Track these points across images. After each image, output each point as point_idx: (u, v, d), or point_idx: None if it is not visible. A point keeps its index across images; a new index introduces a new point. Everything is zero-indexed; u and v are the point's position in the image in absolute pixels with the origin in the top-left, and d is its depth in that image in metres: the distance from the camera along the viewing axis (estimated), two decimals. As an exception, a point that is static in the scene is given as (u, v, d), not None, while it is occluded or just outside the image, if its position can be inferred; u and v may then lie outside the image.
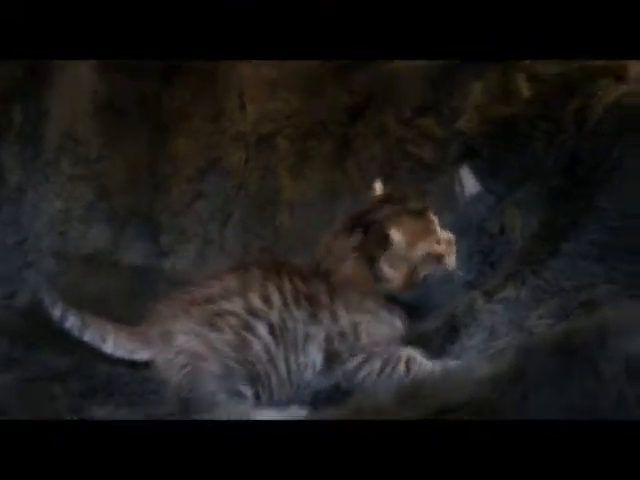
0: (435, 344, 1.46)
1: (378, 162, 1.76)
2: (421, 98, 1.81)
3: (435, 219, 1.33)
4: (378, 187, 1.37)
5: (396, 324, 1.32)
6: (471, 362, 1.11)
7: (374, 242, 1.25)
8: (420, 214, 1.31)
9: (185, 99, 1.82)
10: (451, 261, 1.33)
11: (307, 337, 1.25)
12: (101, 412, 1.18)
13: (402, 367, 1.25)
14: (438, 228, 1.33)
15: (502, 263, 1.58)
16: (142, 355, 1.36)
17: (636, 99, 1.55)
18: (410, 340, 1.40)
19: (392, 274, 1.27)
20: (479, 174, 1.71)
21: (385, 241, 1.24)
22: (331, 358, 1.25)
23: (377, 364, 1.25)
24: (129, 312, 1.65)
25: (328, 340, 1.25)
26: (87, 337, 1.41)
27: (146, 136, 1.79)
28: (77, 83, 1.81)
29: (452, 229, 1.70)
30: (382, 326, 1.30)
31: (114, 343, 1.39)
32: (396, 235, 1.25)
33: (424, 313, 1.43)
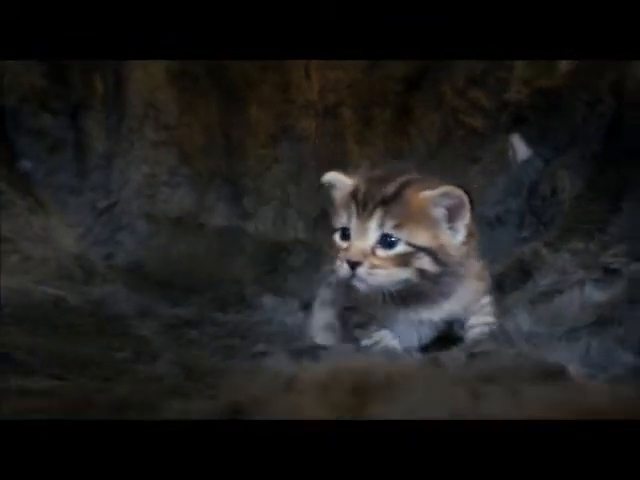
0: (507, 283, 1.68)
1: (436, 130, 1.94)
2: (470, 70, 1.99)
3: None
4: None
5: None
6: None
7: None
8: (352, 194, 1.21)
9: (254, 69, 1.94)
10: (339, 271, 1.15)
11: None
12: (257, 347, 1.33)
13: None
14: None
15: (555, 221, 1.80)
16: None
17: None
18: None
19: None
20: (529, 140, 1.92)
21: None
22: None
23: None
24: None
25: None
26: None
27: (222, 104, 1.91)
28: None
29: (505, 191, 1.93)
30: None
31: None
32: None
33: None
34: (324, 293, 1.44)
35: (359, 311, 1.27)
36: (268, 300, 1.70)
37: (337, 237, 1.16)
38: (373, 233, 1.10)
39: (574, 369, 0.95)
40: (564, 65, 1.97)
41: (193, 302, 1.63)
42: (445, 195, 1.11)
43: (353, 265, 1.09)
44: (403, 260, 1.10)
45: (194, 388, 0.86)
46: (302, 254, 1.84)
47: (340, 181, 1.21)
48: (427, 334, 1.25)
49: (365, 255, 1.09)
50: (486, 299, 1.29)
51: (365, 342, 1.26)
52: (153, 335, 1.37)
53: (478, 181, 1.92)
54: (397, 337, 1.25)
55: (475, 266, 1.24)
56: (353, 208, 1.12)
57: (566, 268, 1.60)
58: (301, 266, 1.82)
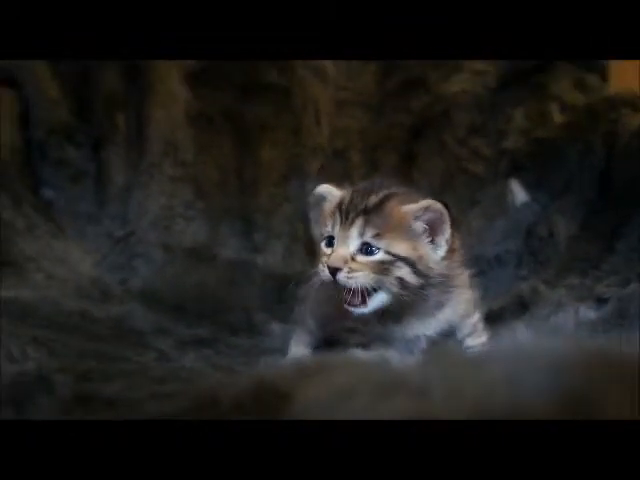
0: (506, 315, 1.75)
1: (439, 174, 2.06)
2: (471, 121, 2.13)
3: None
4: None
5: None
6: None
7: None
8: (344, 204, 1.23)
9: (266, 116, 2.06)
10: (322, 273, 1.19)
11: None
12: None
13: None
14: None
15: (551, 261, 1.90)
16: None
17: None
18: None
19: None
20: (526, 186, 2.04)
21: None
22: None
23: None
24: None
25: None
26: None
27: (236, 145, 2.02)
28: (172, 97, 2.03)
29: (504, 233, 2.03)
30: None
31: None
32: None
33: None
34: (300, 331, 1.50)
35: (358, 331, 1.28)
36: (276, 327, 1.76)
37: (323, 245, 1.20)
38: (354, 241, 1.14)
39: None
40: (558, 117, 2.12)
41: (206, 325, 1.69)
42: (426, 209, 1.15)
43: (333, 271, 1.13)
44: (382, 268, 1.13)
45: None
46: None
47: (330, 193, 1.26)
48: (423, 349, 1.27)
49: (345, 261, 1.13)
50: (477, 315, 1.34)
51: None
52: (171, 350, 1.43)
53: (478, 223, 2.02)
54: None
55: (464, 275, 1.29)
56: (337, 217, 1.17)
57: (562, 301, 1.69)
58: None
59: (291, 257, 1.99)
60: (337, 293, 1.17)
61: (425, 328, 1.26)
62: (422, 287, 1.17)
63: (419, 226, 1.16)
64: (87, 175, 1.93)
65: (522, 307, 1.77)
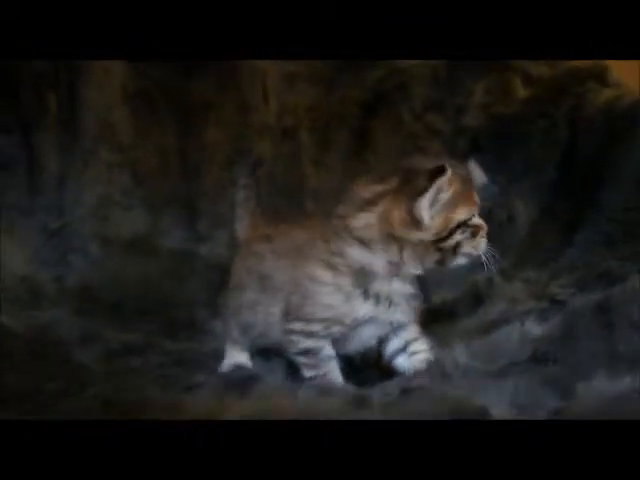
0: (460, 309, 1.68)
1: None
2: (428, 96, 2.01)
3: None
4: None
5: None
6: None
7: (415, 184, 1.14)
8: (466, 181, 1.23)
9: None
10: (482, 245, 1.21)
11: None
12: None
13: None
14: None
15: (509, 250, 1.81)
16: None
17: (623, 103, 1.79)
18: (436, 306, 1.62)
19: (428, 220, 1.13)
20: (485, 166, 1.93)
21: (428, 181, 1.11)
22: None
23: None
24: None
25: None
26: None
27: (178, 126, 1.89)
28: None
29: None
30: None
31: None
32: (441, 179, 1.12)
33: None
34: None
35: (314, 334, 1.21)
36: (218, 325, 1.67)
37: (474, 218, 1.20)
38: None
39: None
40: (522, 91, 1.99)
41: (142, 327, 1.61)
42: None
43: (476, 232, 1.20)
44: None
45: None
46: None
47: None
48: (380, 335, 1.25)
49: None
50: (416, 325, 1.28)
51: (309, 374, 1.23)
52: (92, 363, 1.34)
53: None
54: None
55: None
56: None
57: (517, 298, 1.61)
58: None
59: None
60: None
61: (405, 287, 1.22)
62: None
63: None
64: (16, 162, 1.80)
65: (476, 301, 1.70)
